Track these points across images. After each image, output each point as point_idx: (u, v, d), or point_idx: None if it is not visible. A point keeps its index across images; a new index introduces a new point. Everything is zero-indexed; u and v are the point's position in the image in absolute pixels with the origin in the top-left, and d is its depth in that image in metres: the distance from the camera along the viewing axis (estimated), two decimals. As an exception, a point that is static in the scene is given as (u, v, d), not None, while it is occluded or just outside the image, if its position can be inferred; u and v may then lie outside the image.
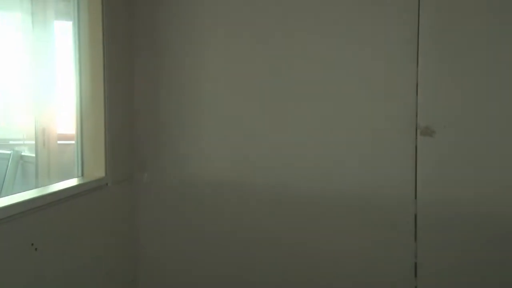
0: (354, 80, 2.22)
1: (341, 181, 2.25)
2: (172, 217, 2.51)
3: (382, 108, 2.19)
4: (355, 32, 2.20)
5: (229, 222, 2.43)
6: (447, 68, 2.10)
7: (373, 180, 2.21)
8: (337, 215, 2.27)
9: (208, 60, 2.41)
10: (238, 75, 2.38)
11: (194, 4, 2.41)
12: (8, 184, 3.22)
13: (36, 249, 1.75)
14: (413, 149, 2.15)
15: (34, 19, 3.02)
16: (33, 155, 3.10)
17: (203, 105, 2.43)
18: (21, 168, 3.28)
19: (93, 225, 2.17)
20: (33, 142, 3.06)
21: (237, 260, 2.42)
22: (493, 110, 2.06)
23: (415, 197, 2.16)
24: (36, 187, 2.77)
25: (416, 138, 2.14)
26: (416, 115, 2.14)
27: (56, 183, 2.14)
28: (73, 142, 2.35)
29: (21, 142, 3.36)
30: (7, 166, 3.26)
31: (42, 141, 3.03)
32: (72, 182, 2.18)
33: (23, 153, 3.31)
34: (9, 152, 3.30)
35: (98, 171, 2.27)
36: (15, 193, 1.84)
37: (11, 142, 3.38)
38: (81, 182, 2.18)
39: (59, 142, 3.10)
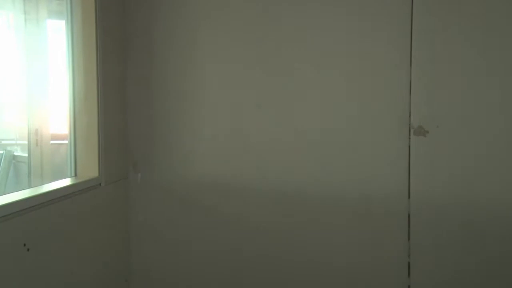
0: (347, 80, 2.23)
1: (335, 181, 2.26)
2: (166, 217, 2.50)
3: (375, 108, 2.20)
4: (348, 32, 2.21)
5: (223, 222, 2.42)
6: (440, 68, 2.11)
7: (367, 179, 2.22)
8: (330, 214, 2.28)
9: (202, 60, 2.41)
10: (232, 75, 2.38)
11: (188, 3, 2.41)
12: (0, 184, 3.20)
13: (28, 249, 1.74)
14: (406, 149, 2.16)
15: (26, 18, 3.00)
16: (26, 154, 3.08)
17: (197, 105, 2.43)
18: (13, 168, 3.26)
19: (87, 225, 2.16)
20: (26, 142, 3.04)
21: (231, 260, 2.42)
22: (486, 110, 2.07)
23: (409, 197, 2.17)
24: (29, 187, 2.76)
25: (410, 138, 2.16)
26: (409, 115, 2.15)
27: (49, 183, 2.13)
28: (66, 141, 2.34)
29: (13, 141, 3.34)
30: (-1, 165, 3.24)
31: (35, 140, 3.01)
32: (65, 182, 2.16)
33: (15, 153, 3.29)
34: (1, 152, 3.27)
35: (91, 171, 2.26)
36: (7, 193, 1.83)
37: (3, 142, 3.36)
38: (74, 182, 2.17)
39: (52, 141, 3.08)
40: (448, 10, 2.08)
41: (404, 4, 2.12)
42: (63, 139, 2.54)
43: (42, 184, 2.26)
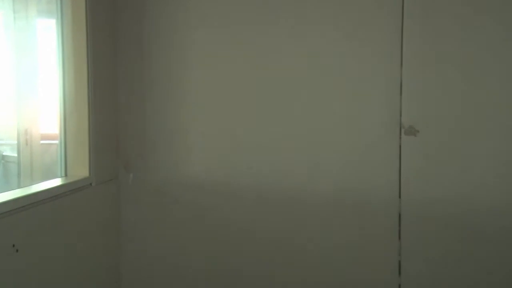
0: (338, 79, 2.24)
1: (326, 181, 2.26)
2: (157, 217, 2.49)
3: (366, 107, 2.21)
4: (339, 31, 2.22)
5: (214, 222, 2.42)
6: (431, 68, 2.12)
7: (358, 179, 2.23)
8: (321, 214, 2.28)
9: (194, 60, 2.40)
10: (223, 76, 2.38)
11: (179, 3, 2.40)
12: (-11, 184, 3.17)
13: (17, 250, 1.72)
14: (397, 149, 2.17)
15: (16, 17, 2.98)
16: (15, 154, 3.05)
17: (188, 105, 2.42)
18: (2, 168, 3.23)
19: (77, 225, 2.15)
20: (15, 141, 3.01)
21: (222, 260, 2.42)
22: (476, 110, 2.09)
23: (399, 196, 2.18)
24: (19, 187, 2.73)
25: (400, 138, 2.17)
26: (400, 115, 2.16)
27: (39, 183, 2.11)
28: (56, 141, 2.32)
29: (2, 141, 3.31)
30: (-12, 166, 3.20)
31: (25, 140, 2.99)
32: (56, 182, 2.15)
33: (4, 153, 3.26)
34: (-10, 152, 3.24)
35: (82, 171, 2.25)
36: (-4, 194, 1.81)
37: (-8, 142, 3.32)
38: (64, 182, 2.16)
39: (42, 141, 3.06)
40: (438, 11, 2.10)
41: (395, 5, 2.13)
42: (54, 139, 2.52)
43: (32, 184, 2.24)
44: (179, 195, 2.45)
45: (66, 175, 2.26)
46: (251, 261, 2.38)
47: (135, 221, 2.51)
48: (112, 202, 2.48)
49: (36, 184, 2.10)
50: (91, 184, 2.26)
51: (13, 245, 1.71)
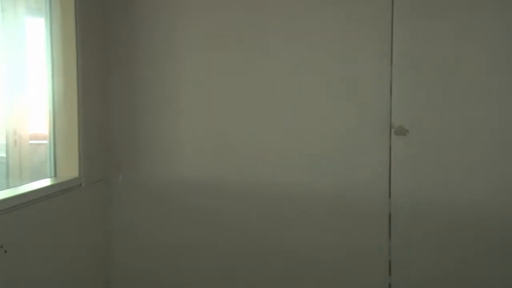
0: (328, 80, 2.25)
1: (316, 180, 2.27)
2: (147, 218, 2.48)
3: (357, 108, 2.22)
4: (329, 32, 2.23)
5: (205, 222, 2.42)
6: (421, 69, 2.14)
7: (348, 179, 2.24)
8: (312, 213, 2.29)
9: (184, 59, 2.40)
10: (214, 75, 2.38)
11: (169, 3, 2.39)
12: (-23, 185, 3.12)
13: (5, 251, 1.71)
14: (387, 149, 2.18)
15: (3, 15, 2.94)
16: (4, 155, 3.02)
17: (179, 105, 2.42)
18: (-10, 169, 3.19)
19: (66, 226, 2.13)
20: (4, 142, 2.97)
21: (214, 261, 2.42)
22: (466, 110, 2.11)
23: (389, 196, 2.20)
24: (7, 187, 2.70)
25: (390, 138, 2.18)
26: (390, 115, 2.18)
27: (28, 184, 2.09)
28: (46, 141, 2.30)
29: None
30: (-25, 166, 3.16)
31: (14, 140, 2.95)
32: (45, 182, 2.13)
33: (-8, 153, 3.22)
34: (-23, 152, 3.20)
35: (71, 171, 2.23)
36: (-16, 194, 1.79)
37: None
38: (54, 182, 2.14)
39: (31, 141, 3.03)
40: (428, 12, 2.11)
41: (385, 6, 2.14)
42: (43, 139, 2.50)
43: (21, 185, 2.22)
44: (170, 196, 2.45)
45: (55, 175, 2.24)
46: (244, 260, 2.38)
47: (125, 221, 2.50)
48: (102, 203, 2.47)
49: (25, 185, 2.08)
50: (80, 184, 2.24)
51: (1, 246, 1.69)
